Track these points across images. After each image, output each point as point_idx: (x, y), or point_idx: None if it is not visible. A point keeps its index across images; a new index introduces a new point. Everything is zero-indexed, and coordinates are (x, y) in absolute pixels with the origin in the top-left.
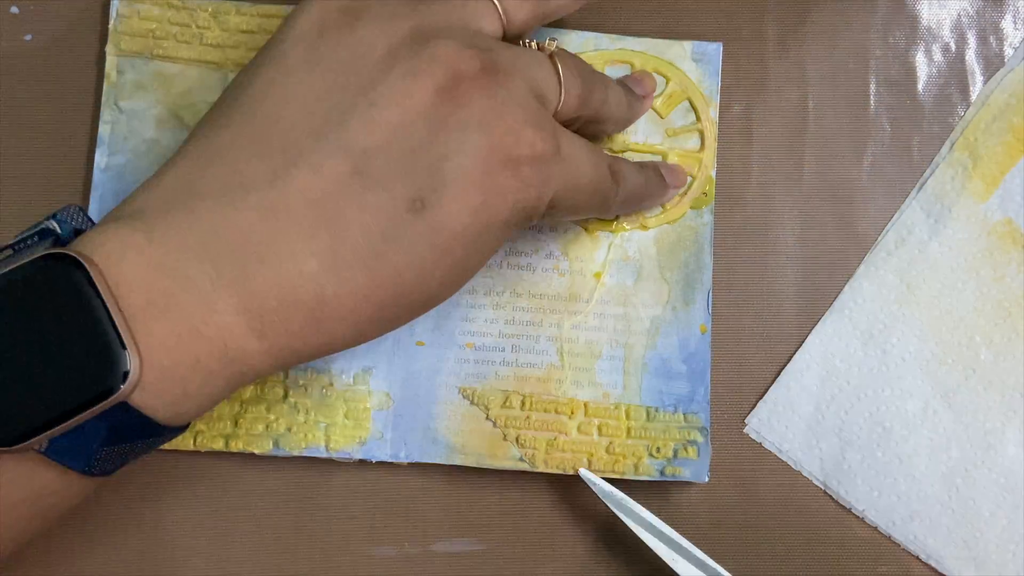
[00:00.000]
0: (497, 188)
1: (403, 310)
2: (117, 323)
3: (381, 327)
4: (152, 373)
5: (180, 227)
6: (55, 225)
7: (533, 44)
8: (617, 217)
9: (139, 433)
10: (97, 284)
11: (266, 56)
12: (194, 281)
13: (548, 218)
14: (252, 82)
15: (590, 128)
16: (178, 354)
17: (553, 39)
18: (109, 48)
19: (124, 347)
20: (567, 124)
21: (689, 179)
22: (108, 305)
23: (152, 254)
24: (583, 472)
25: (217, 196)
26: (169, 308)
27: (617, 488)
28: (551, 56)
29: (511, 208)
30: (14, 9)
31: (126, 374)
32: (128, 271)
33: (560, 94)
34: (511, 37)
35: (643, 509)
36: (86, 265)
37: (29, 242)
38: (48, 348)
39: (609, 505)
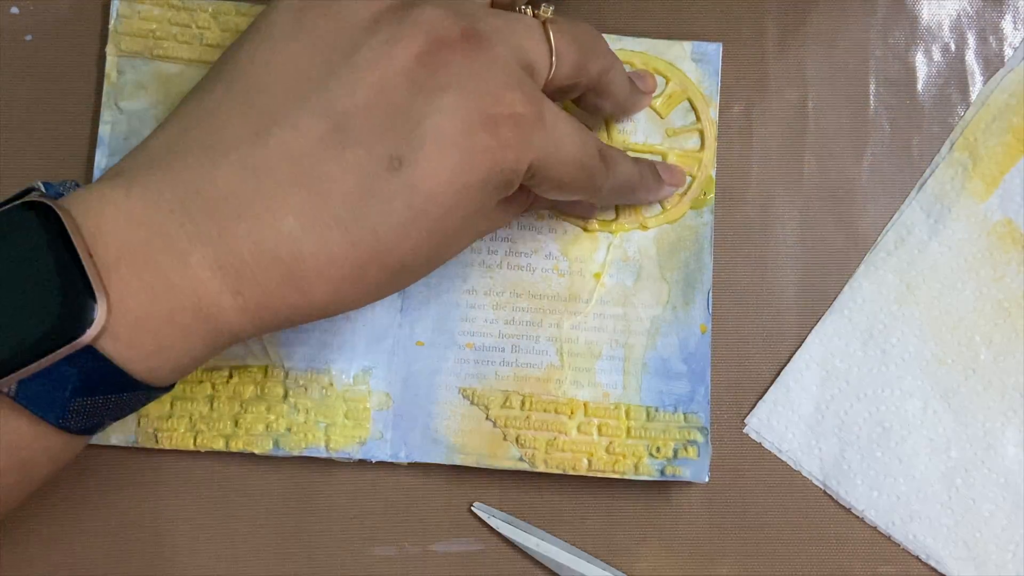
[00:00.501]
0: (475, 147)
1: (382, 274)
2: (86, 267)
3: (360, 292)
4: (124, 323)
5: (160, 183)
6: (39, 185)
7: (528, 11)
8: (616, 217)
9: (112, 385)
10: (69, 230)
11: (254, 27)
12: (170, 235)
13: (534, 190)
14: (239, 51)
15: (590, 99)
16: (151, 305)
17: (549, 6)
18: (109, 48)
19: (92, 292)
20: (566, 91)
21: (689, 179)
22: (78, 250)
23: (130, 208)
24: (477, 505)
25: (198, 155)
26: (144, 260)
27: (616, 485)
28: (544, 23)
29: (489, 168)
30: (14, 9)
31: (93, 319)
32: (105, 224)
33: (551, 62)
34: (503, 4)
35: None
36: (59, 212)
37: (13, 202)
38: (17, 292)
39: (506, 535)
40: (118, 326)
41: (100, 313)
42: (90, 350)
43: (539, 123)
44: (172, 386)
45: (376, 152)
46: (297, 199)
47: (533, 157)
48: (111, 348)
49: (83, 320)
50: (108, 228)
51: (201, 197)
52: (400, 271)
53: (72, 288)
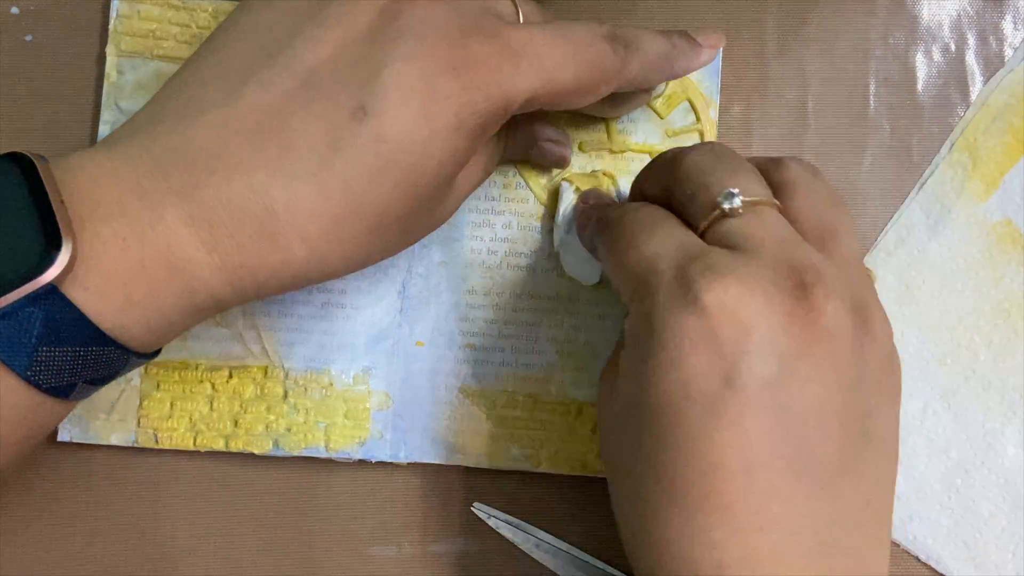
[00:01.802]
0: (437, 93)
1: (361, 230)
2: (55, 210)
3: (341, 252)
4: (94, 273)
5: (139, 146)
6: (27, 153)
7: None
8: None
9: (80, 336)
10: (42, 176)
11: (237, 4)
12: (145, 190)
13: (551, 110)
14: (220, 26)
15: None
16: (122, 256)
17: None
18: (109, 48)
19: (59, 234)
20: None
21: None
22: (49, 194)
23: (108, 166)
24: (477, 505)
25: (176, 119)
26: (118, 212)
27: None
28: None
29: (456, 113)
30: (14, 10)
31: (56, 260)
32: (83, 179)
33: (517, 14)
34: None
35: (544, 533)
36: (35, 161)
37: None
38: None
39: (504, 533)
40: (87, 275)
41: (63, 254)
42: (56, 293)
43: (506, 56)
44: (151, 356)
45: (341, 103)
46: (267, 154)
47: (511, 91)
48: (79, 297)
49: (46, 260)
50: (86, 183)
51: (177, 156)
52: (379, 227)
53: (38, 229)
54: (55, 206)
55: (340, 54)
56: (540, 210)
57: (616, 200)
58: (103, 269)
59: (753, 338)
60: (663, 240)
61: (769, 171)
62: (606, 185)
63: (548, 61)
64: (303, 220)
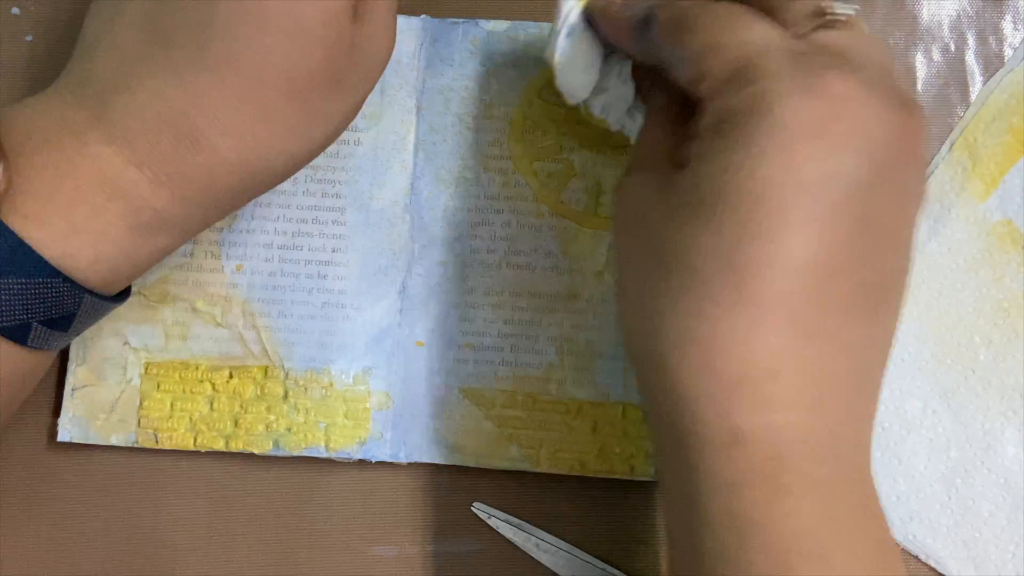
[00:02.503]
0: None
1: (274, 98)
2: None
3: (272, 128)
4: (31, 201)
5: (62, 84)
6: None
7: None
8: None
9: (25, 266)
10: None
11: None
12: (68, 120)
13: None
14: None
15: None
16: (57, 182)
17: None
18: None
19: None
20: None
21: None
22: None
23: (39, 105)
24: (477, 505)
25: (82, 55)
26: (47, 141)
27: (616, 485)
28: None
29: None
30: (15, 10)
31: None
32: (17, 117)
33: None
34: None
35: (546, 534)
36: None
37: None
38: None
39: (505, 534)
40: (24, 202)
41: None
42: None
43: None
44: (113, 300)
45: None
46: (156, 62)
47: None
48: (19, 224)
49: None
50: (19, 120)
51: (88, 85)
52: (295, 91)
53: None
54: None
55: None
56: (540, 208)
57: None
58: (40, 196)
59: (865, 138)
60: (764, 31)
61: None
62: None
63: None
64: (212, 110)
